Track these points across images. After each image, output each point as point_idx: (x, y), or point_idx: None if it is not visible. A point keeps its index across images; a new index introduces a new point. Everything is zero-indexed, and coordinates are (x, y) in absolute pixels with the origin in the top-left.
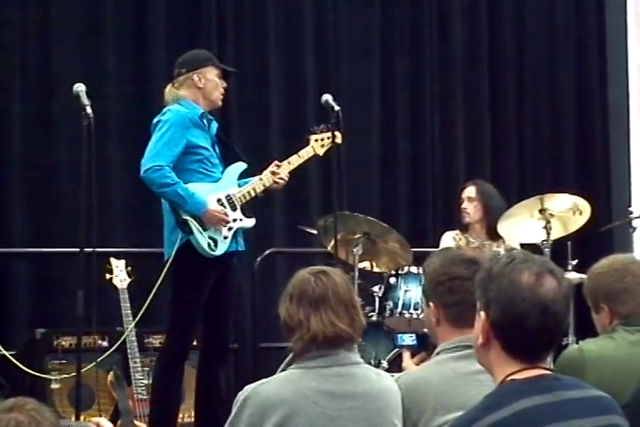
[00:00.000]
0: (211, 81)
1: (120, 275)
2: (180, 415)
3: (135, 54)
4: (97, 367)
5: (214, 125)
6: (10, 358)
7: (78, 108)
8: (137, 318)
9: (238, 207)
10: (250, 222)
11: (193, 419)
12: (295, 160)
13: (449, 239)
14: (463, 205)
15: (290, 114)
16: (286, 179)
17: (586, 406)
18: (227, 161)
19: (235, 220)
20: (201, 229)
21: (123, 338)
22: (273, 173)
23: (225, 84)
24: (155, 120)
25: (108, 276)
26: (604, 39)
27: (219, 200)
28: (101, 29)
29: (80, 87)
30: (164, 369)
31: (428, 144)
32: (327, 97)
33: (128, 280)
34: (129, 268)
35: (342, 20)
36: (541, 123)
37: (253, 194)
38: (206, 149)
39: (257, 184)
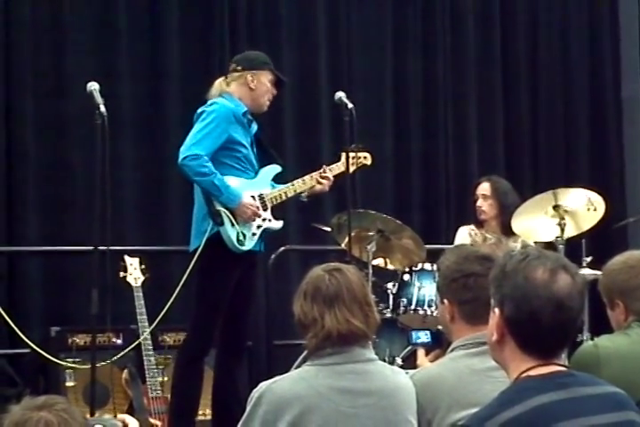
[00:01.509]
0: (263, 85)
1: (134, 273)
2: (200, 412)
3: (149, 53)
4: (112, 365)
5: (254, 126)
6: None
7: (92, 106)
8: (159, 317)
9: (269, 208)
10: (278, 224)
11: (210, 417)
12: (329, 171)
13: (464, 235)
14: (478, 203)
15: (303, 112)
16: (332, 178)
17: (601, 402)
18: (262, 163)
19: (264, 219)
20: (234, 221)
21: (139, 340)
22: (320, 174)
23: (275, 92)
24: (199, 110)
25: (122, 274)
26: (618, 35)
27: (252, 197)
28: (115, 28)
29: (94, 86)
30: (185, 364)
31: (442, 141)
32: (340, 95)
33: (142, 278)
34: (143, 266)
35: (355, 18)
36: (555, 120)
37: (284, 197)
38: (245, 147)
39: (289, 189)
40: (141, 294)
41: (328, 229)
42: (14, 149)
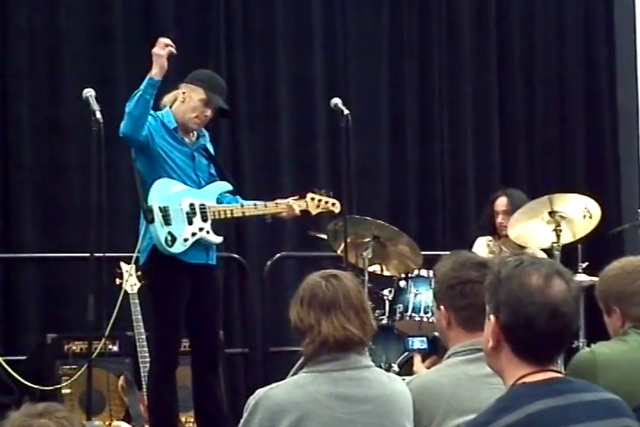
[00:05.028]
0: (191, 100)
1: (130, 280)
2: (191, 420)
3: (145, 60)
4: (108, 372)
5: (201, 141)
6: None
7: (88, 113)
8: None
9: (209, 220)
10: (217, 239)
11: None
12: (283, 205)
13: (482, 246)
14: (499, 219)
15: (299, 118)
16: (298, 213)
17: (597, 408)
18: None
19: (201, 229)
20: (163, 222)
21: (109, 327)
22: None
23: (208, 114)
24: None
25: (118, 281)
26: (613, 40)
27: (191, 204)
28: (110, 35)
29: (90, 92)
30: (156, 383)
31: (438, 147)
32: (336, 101)
33: (138, 285)
34: (139, 272)
35: (351, 24)
36: (551, 126)
37: (229, 215)
38: (174, 162)
39: (236, 209)
40: (137, 301)
41: (324, 236)
42: (10, 155)
